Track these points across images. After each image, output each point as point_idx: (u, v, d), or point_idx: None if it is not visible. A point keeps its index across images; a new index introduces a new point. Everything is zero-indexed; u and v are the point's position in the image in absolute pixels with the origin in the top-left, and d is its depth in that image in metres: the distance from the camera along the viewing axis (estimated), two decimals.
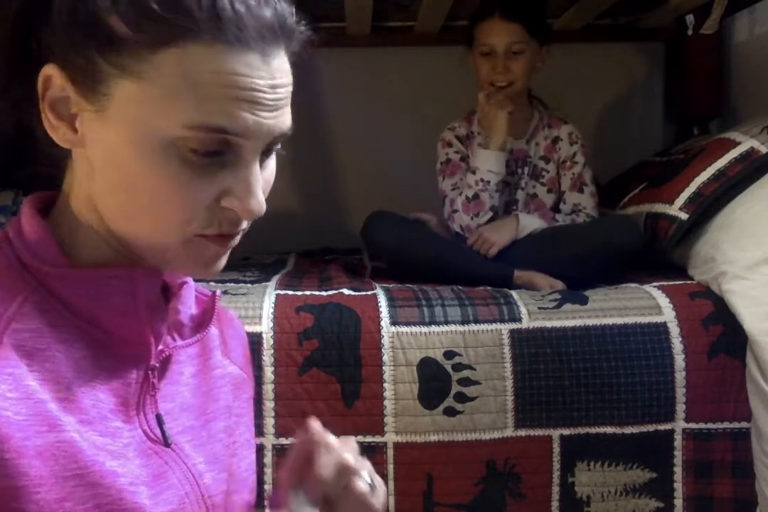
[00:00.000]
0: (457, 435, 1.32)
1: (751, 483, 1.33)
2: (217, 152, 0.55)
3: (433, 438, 1.32)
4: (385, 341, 1.33)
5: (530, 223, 1.75)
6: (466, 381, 1.33)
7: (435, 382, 1.32)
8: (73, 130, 0.57)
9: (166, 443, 0.61)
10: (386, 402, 1.31)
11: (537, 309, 1.39)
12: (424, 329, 1.35)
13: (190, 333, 0.67)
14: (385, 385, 1.31)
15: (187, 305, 0.68)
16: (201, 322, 0.68)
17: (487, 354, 1.34)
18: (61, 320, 0.57)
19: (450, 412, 1.32)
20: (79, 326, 0.58)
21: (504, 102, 1.78)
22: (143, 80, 0.54)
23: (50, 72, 0.56)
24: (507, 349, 1.34)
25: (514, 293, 1.47)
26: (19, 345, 0.54)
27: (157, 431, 0.61)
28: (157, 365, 0.62)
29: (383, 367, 1.32)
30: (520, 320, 1.37)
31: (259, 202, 0.57)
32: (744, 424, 1.34)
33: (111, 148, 0.56)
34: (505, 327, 1.36)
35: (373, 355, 1.32)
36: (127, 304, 0.60)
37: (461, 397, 1.32)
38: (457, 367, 1.33)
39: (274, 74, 0.56)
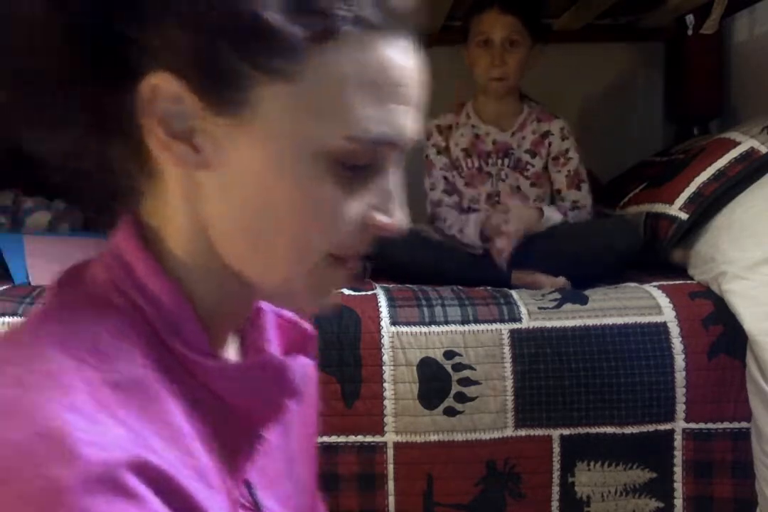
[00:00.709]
0: (457, 435, 1.32)
1: (751, 483, 1.33)
2: (368, 165, 0.48)
3: (433, 438, 1.32)
4: (385, 341, 1.33)
5: (551, 215, 1.75)
6: (466, 381, 1.33)
7: (435, 382, 1.32)
8: (194, 149, 0.47)
9: (259, 510, 0.54)
10: (386, 402, 1.31)
11: (537, 309, 1.39)
12: (424, 329, 1.35)
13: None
14: (385, 385, 1.31)
15: (274, 342, 0.59)
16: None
17: (487, 354, 1.34)
18: (198, 396, 0.50)
19: (450, 412, 1.32)
20: (211, 404, 0.50)
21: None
22: (296, 84, 0.45)
23: (159, 81, 0.45)
24: (507, 349, 1.34)
25: (514, 293, 1.47)
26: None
27: (249, 497, 0.54)
28: (265, 435, 0.55)
29: (383, 367, 1.32)
30: (520, 320, 1.37)
31: (405, 215, 0.51)
32: (744, 424, 1.34)
33: (249, 166, 0.47)
34: (505, 327, 1.36)
35: (373, 355, 1.32)
36: (270, 394, 0.53)
37: (461, 397, 1.32)
38: (457, 367, 1.33)
39: (421, 68, 0.50)
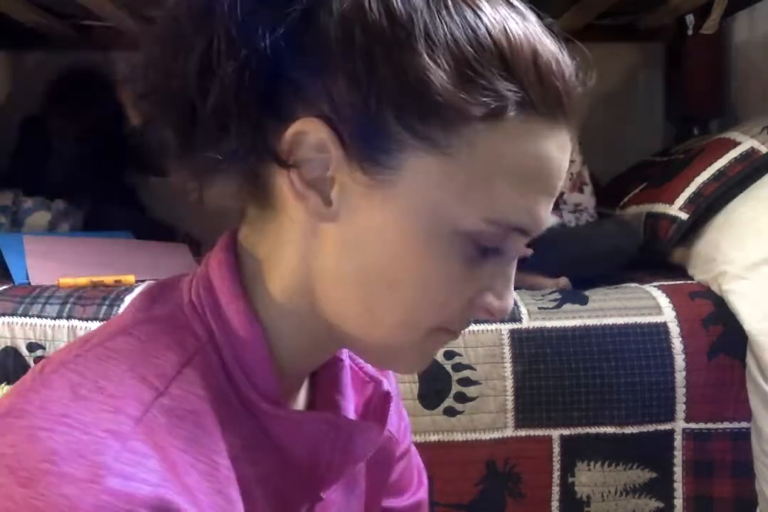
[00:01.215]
0: (457, 435, 1.32)
1: (751, 483, 1.33)
2: (496, 248, 0.47)
3: (433, 438, 1.32)
4: None
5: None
6: (466, 381, 1.33)
7: (435, 382, 1.32)
8: (326, 202, 0.46)
9: None
10: None
11: (537, 309, 1.39)
12: None
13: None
14: None
15: (350, 398, 0.57)
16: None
17: (487, 354, 1.34)
18: (256, 442, 0.49)
19: (450, 412, 1.32)
20: (269, 451, 0.50)
21: None
22: (448, 158, 0.44)
23: (308, 127, 0.44)
24: (507, 349, 1.34)
25: (514, 293, 1.46)
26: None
27: None
28: (324, 496, 0.54)
29: None
30: (520, 320, 1.37)
31: (512, 300, 0.50)
32: (744, 424, 1.34)
33: (378, 230, 0.45)
34: (505, 327, 1.36)
35: None
36: (332, 454, 0.52)
37: (461, 397, 1.32)
38: (457, 367, 1.33)
39: (567, 159, 0.48)
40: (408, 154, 0.44)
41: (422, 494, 0.74)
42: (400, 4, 0.43)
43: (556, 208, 1.83)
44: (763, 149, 1.59)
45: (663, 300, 1.40)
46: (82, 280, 1.52)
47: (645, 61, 2.50)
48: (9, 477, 0.38)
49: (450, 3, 0.44)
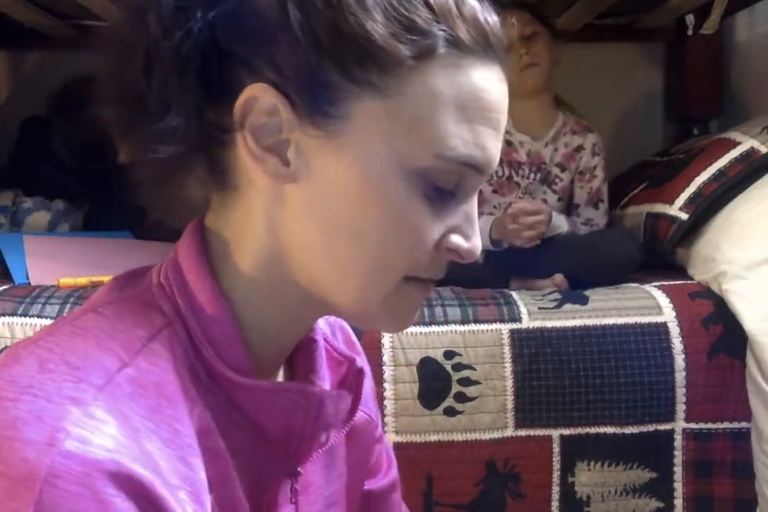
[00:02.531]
0: (456, 435, 1.32)
1: (751, 483, 1.33)
2: (453, 188, 0.49)
3: (433, 438, 1.32)
4: (385, 341, 1.33)
5: (560, 224, 1.70)
6: (466, 381, 1.33)
7: (435, 382, 1.32)
8: (285, 162, 0.48)
9: None
10: (386, 402, 1.31)
11: (537, 309, 1.39)
12: (424, 329, 1.35)
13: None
14: (385, 385, 1.31)
15: (325, 377, 0.58)
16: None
17: (487, 354, 1.34)
18: (227, 413, 0.50)
19: (450, 412, 1.32)
20: (241, 423, 0.50)
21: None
22: (390, 100, 0.46)
23: (257, 92, 0.47)
24: (507, 349, 1.34)
25: (514, 293, 1.47)
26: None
27: None
28: (302, 471, 0.55)
29: (383, 367, 1.32)
30: (520, 320, 1.37)
31: (480, 241, 0.52)
32: (744, 424, 1.34)
33: (338, 181, 0.47)
34: (505, 327, 1.36)
35: (373, 355, 1.32)
36: (305, 426, 0.52)
37: (461, 397, 1.32)
38: (457, 367, 1.33)
39: (506, 94, 0.50)
40: (352, 101, 0.46)
41: (394, 472, 0.74)
42: None
43: (569, 215, 1.81)
44: (763, 149, 1.59)
45: (663, 300, 1.40)
46: (82, 280, 1.52)
47: (645, 61, 2.50)
48: None
49: None
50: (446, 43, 0.47)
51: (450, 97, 0.47)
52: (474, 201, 0.52)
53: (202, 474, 0.46)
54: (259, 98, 0.47)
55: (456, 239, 0.50)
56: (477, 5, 0.49)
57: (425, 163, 0.47)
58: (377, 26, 0.45)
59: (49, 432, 0.40)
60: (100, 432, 0.41)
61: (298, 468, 0.54)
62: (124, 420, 0.42)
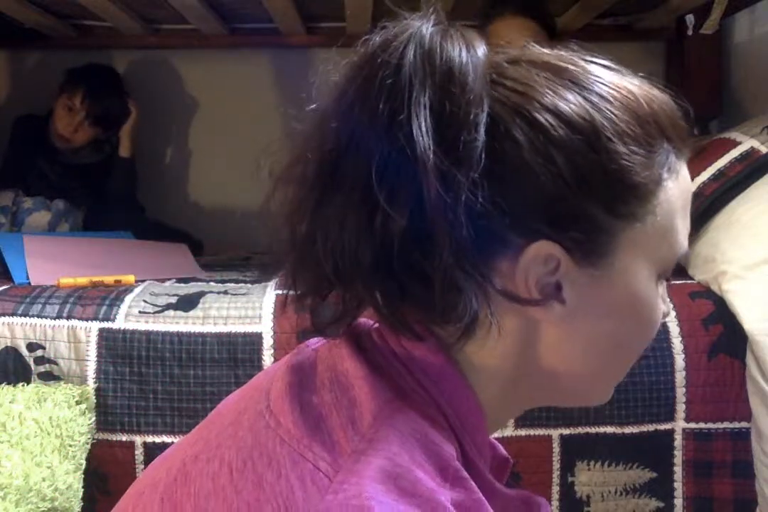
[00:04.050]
0: None
1: (752, 484, 1.33)
2: None
3: None
4: None
5: None
6: None
7: None
8: (561, 302, 0.49)
9: None
10: None
11: None
12: None
13: None
14: None
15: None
16: None
17: None
18: None
19: None
20: None
21: None
22: (645, 222, 0.49)
23: (541, 251, 0.47)
24: None
25: None
26: None
27: None
28: None
29: None
30: None
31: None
32: (744, 424, 1.34)
33: (604, 304, 0.50)
34: None
35: None
36: None
37: None
38: None
39: None
40: (619, 235, 0.49)
41: None
42: (571, 112, 0.47)
43: None
44: (763, 149, 1.59)
45: None
46: (82, 280, 1.52)
47: (645, 61, 2.49)
48: None
49: (596, 89, 0.50)
50: (675, 157, 0.50)
51: (680, 202, 0.51)
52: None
53: None
54: (542, 254, 0.47)
55: (664, 307, 0.54)
56: (671, 105, 0.52)
57: (670, 263, 0.52)
58: (635, 159, 0.48)
59: None
60: None
61: None
62: None
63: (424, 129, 0.44)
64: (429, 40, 0.46)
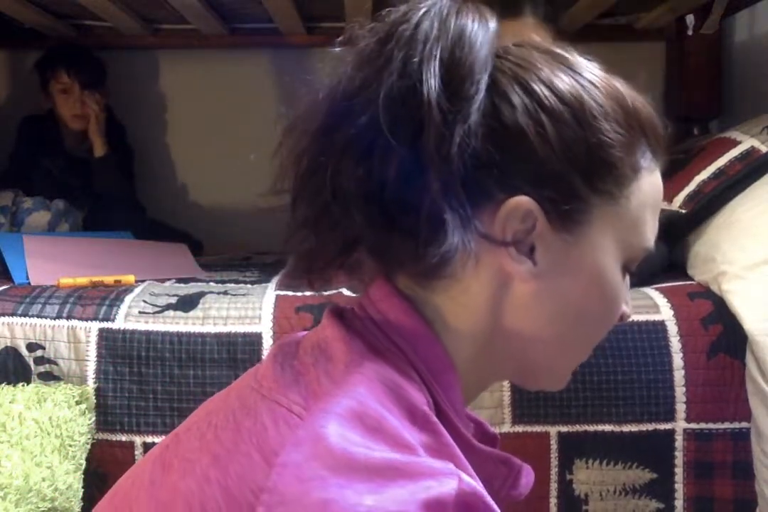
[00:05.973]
0: None
1: (752, 484, 1.33)
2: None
3: None
4: None
5: None
6: None
7: None
8: (533, 262, 0.53)
9: None
10: None
11: None
12: None
13: None
14: None
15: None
16: None
17: None
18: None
19: None
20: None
21: None
22: (618, 205, 0.54)
23: (520, 206, 0.52)
24: None
25: None
26: None
27: None
28: None
29: None
30: None
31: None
32: (744, 424, 1.34)
33: (572, 274, 0.54)
34: None
35: None
36: (500, 494, 0.58)
37: None
38: None
39: None
40: (594, 209, 0.53)
41: None
42: (564, 88, 0.53)
43: None
44: (764, 149, 1.59)
45: (660, 299, 1.40)
46: (82, 280, 1.52)
47: (645, 61, 2.50)
48: None
49: (587, 76, 0.55)
50: (651, 155, 0.56)
51: (651, 197, 0.56)
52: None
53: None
54: (519, 209, 0.51)
55: (624, 307, 0.59)
56: (658, 119, 0.57)
57: (636, 254, 0.56)
58: (618, 141, 0.53)
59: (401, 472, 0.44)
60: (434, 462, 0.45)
61: None
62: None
63: (432, 72, 0.49)
64: (447, 9, 0.52)
